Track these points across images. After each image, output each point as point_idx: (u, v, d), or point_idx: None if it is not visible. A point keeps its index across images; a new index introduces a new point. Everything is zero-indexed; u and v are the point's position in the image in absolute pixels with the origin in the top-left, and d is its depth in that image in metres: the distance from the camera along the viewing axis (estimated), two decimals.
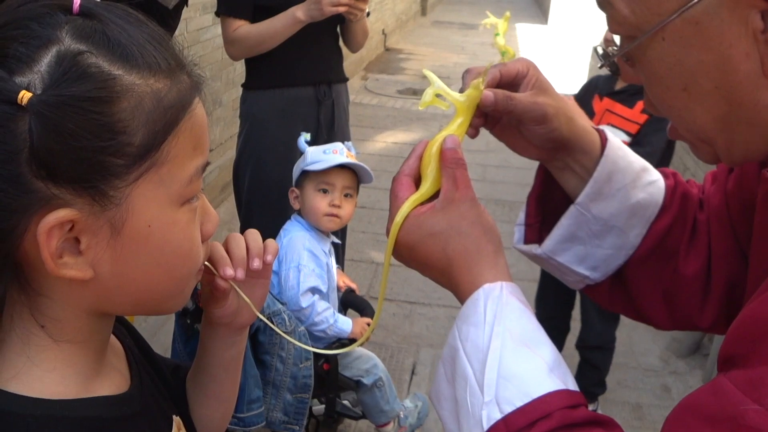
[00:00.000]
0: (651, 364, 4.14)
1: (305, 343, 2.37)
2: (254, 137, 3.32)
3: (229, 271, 0.98)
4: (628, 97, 3.08)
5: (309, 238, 2.68)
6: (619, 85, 3.12)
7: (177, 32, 4.75)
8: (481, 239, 0.96)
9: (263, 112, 3.30)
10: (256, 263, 1.01)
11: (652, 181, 1.18)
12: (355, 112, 8.44)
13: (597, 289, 1.25)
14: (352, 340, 2.63)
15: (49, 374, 0.81)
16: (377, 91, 9.77)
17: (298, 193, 2.73)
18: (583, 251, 1.19)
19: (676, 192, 1.20)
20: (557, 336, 3.77)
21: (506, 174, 6.95)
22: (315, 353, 2.52)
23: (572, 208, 1.16)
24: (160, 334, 3.80)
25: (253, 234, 1.04)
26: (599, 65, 1.02)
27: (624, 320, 4.51)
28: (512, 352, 0.86)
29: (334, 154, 2.66)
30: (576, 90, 3.53)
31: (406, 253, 1.00)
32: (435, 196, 1.01)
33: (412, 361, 3.98)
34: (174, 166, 0.79)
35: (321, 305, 2.59)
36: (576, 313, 3.70)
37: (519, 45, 13.84)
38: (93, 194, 0.74)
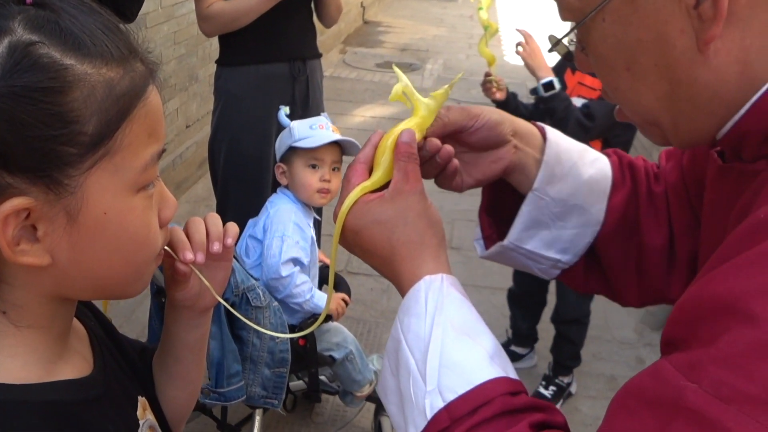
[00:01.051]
0: (625, 336, 4.19)
1: (279, 318, 2.38)
2: (229, 114, 3.31)
3: (189, 255, 0.99)
4: None
5: (296, 210, 2.70)
6: None
7: (151, 7, 4.73)
8: (426, 231, 0.99)
9: (238, 89, 3.28)
10: (216, 246, 1.02)
11: (596, 157, 1.21)
12: (334, 86, 8.43)
13: (572, 273, 1.26)
14: (327, 316, 2.65)
15: (10, 360, 0.82)
16: (356, 65, 9.73)
17: (285, 169, 2.73)
18: (549, 235, 1.21)
19: (623, 165, 1.23)
20: (534, 310, 3.81)
21: None
22: (289, 328, 2.53)
23: (530, 195, 1.18)
24: (138, 312, 3.81)
25: (213, 218, 1.05)
26: (548, 49, 1.05)
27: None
28: (453, 341, 0.88)
29: (321, 129, 2.67)
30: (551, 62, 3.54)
31: (350, 237, 1.02)
32: (386, 186, 1.03)
33: (388, 336, 3.99)
34: (128, 153, 0.80)
35: (300, 278, 2.60)
36: (552, 286, 3.73)
37: (500, 16, 13.80)
38: (47, 183, 0.75)
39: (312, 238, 2.74)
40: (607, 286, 1.27)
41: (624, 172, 1.22)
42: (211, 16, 3.15)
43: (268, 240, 2.62)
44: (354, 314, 4.11)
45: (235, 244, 1.07)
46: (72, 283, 0.84)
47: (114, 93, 0.77)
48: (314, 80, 3.45)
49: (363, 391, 2.97)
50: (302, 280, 2.61)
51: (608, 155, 1.25)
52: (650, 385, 0.72)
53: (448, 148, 1.09)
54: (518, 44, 3.11)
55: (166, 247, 0.96)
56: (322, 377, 3.05)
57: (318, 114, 3.42)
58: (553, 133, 1.19)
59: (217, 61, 3.42)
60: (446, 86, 1.06)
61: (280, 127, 3.37)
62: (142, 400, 1.04)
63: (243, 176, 3.32)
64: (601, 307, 4.36)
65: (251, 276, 2.37)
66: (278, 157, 2.76)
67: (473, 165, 1.16)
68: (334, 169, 2.73)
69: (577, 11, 0.89)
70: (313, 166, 2.69)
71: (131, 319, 3.79)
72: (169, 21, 5.06)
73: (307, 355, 2.73)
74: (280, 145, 2.74)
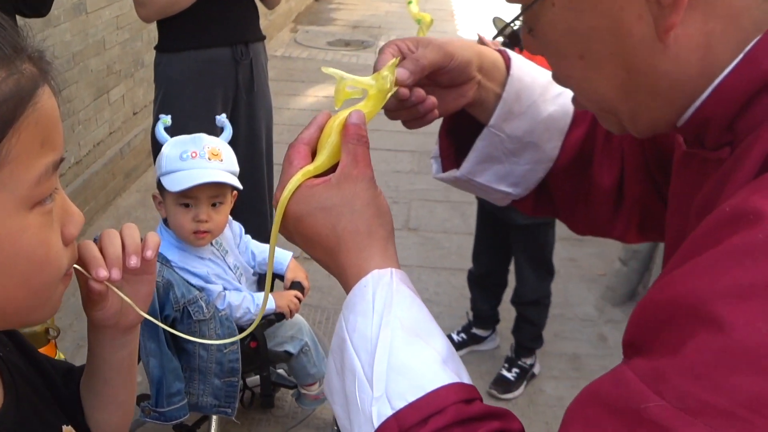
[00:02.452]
0: (587, 313, 4.16)
1: (227, 327, 2.29)
2: (171, 101, 3.19)
3: (102, 272, 0.89)
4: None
5: (180, 256, 2.40)
6: None
7: None
8: (373, 221, 0.91)
9: (179, 75, 3.17)
10: (133, 261, 0.92)
11: (560, 92, 1.16)
12: (285, 66, 8.31)
13: (522, 202, 1.25)
14: (278, 314, 2.55)
15: None
16: (307, 44, 9.58)
17: (161, 199, 2.39)
18: (502, 169, 1.18)
19: None
20: (495, 291, 3.75)
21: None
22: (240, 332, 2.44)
23: (486, 130, 1.14)
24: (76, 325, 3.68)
25: (130, 229, 0.95)
26: (493, 37, 0.98)
27: (559, 272, 4.52)
28: (403, 342, 0.81)
29: (193, 158, 2.28)
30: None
31: (292, 224, 0.93)
32: (330, 171, 0.95)
33: None
34: (17, 166, 0.70)
35: (235, 298, 2.46)
36: (512, 267, 3.68)
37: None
38: None
39: (225, 262, 2.56)
40: (555, 212, 1.26)
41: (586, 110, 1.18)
42: (147, 0, 3.01)
43: None
44: (311, 301, 4.02)
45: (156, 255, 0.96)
46: None
47: None
48: (258, 64, 3.34)
49: (315, 389, 2.89)
50: (239, 299, 2.46)
51: None
52: (611, 392, 0.67)
53: (432, 99, 1.05)
54: None
55: (75, 266, 0.86)
56: (279, 371, 2.98)
57: (264, 99, 3.32)
58: (518, 68, 1.13)
59: (156, 47, 3.29)
60: (391, 62, 0.99)
61: (225, 113, 3.25)
62: (67, 429, 0.95)
63: None
64: (561, 284, 4.34)
65: (193, 287, 2.26)
66: (156, 182, 2.42)
67: (437, 99, 1.10)
68: (214, 205, 2.38)
69: None
70: (186, 205, 2.35)
71: (76, 326, 3.67)
72: (111, 5, 4.91)
73: (258, 357, 2.63)
74: (156, 168, 2.39)
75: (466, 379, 0.82)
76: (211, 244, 2.51)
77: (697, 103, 0.80)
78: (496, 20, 0.89)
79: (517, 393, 3.53)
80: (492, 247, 3.65)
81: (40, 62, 0.74)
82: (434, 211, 5.05)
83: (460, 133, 1.22)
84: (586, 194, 1.19)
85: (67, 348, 3.45)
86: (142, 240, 0.95)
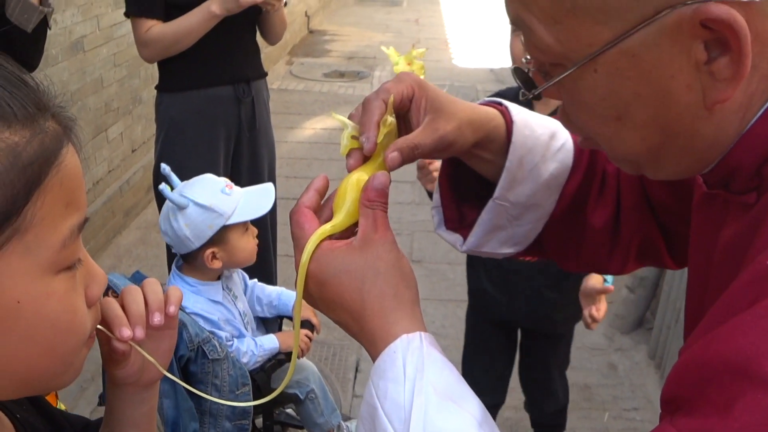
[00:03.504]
0: (596, 342, 4.12)
1: (239, 369, 2.25)
2: (173, 141, 3.16)
3: (126, 332, 0.86)
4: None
5: (197, 300, 2.43)
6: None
7: (89, 30, 4.57)
8: (399, 284, 0.89)
9: (181, 114, 3.14)
10: (157, 318, 0.90)
11: (561, 145, 1.14)
12: (282, 98, 8.30)
13: (517, 254, 1.24)
14: (288, 354, 2.51)
15: None
16: (303, 76, 9.59)
17: (216, 251, 2.41)
18: (506, 235, 1.17)
19: (584, 149, 1.17)
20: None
21: None
22: (250, 374, 2.39)
23: (491, 203, 1.12)
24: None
25: (152, 284, 0.92)
26: (521, 96, 0.94)
27: None
28: (437, 408, 0.79)
29: (231, 189, 2.40)
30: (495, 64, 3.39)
31: (315, 289, 0.91)
32: (347, 232, 0.93)
33: (355, 358, 3.89)
34: (42, 230, 0.67)
35: (241, 344, 2.46)
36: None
37: (443, 19, 13.78)
38: None
39: (235, 306, 2.56)
40: (545, 255, 1.24)
41: (583, 152, 1.16)
42: (151, 41, 2.99)
43: None
44: (317, 337, 3.97)
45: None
46: None
47: (20, 162, 0.65)
48: (260, 101, 3.32)
49: None
50: (246, 346, 2.47)
51: None
52: None
53: (405, 151, 0.99)
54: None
55: (99, 326, 0.84)
56: (288, 410, 2.92)
57: (267, 136, 3.30)
58: (520, 133, 1.09)
59: (157, 87, 3.27)
60: (385, 117, 0.96)
61: (228, 153, 3.21)
62: None
63: None
64: None
65: (204, 328, 2.22)
66: (199, 244, 2.38)
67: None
68: None
69: (556, 54, 0.79)
70: (247, 229, 2.49)
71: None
72: (108, 43, 4.90)
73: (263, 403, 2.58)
74: (201, 230, 2.35)
75: None
76: (223, 288, 2.49)
77: (722, 151, 0.79)
78: (517, 72, 0.85)
79: None
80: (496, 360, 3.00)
81: (63, 119, 0.72)
82: (438, 243, 4.99)
83: (460, 178, 1.20)
84: (579, 237, 1.18)
85: (71, 391, 3.40)
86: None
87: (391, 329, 0.86)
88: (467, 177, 1.17)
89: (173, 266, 2.51)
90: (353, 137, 0.97)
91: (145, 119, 5.55)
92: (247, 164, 3.32)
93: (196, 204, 2.31)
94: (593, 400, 3.66)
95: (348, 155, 0.98)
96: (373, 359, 0.87)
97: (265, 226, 3.42)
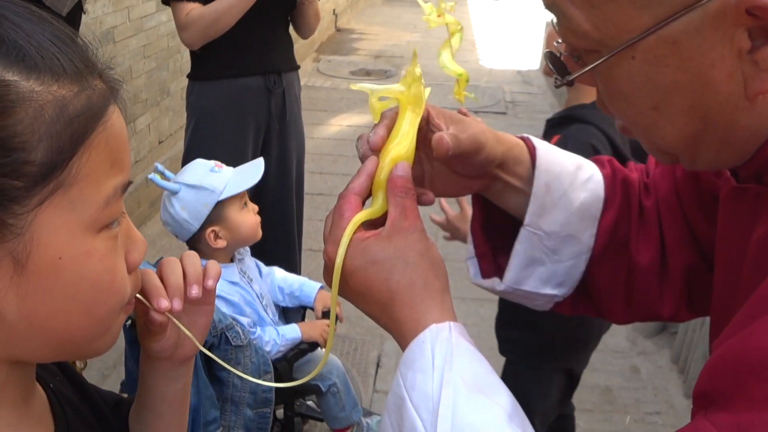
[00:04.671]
0: (618, 345, 4.09)
1: (262, 356, 2.24)
2: (203, 130, 3.18)
3: (164, 303, 0.86)
4: (550, 129, 2.45)
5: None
6: None
7: (119, 21, 4.60)
8: (428, 273, 0.87)
9: (211, 104, 3.15)
10: (195, 291, 0.89)
11: (589, 176, 1.13)
12: (308, 95, 8.31)
13: (561, 304, 1.18)
14: (312, 344, 2.51)
15: None
16: (330, 73, 9.61)
17: (216, 230, 2.42)
18: (546, 271, 1.13)
19: (615, 180, 1.15)
20: None
21: None
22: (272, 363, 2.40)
23: (523, 231, 1.10)
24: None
25: (191, 257, 0.92)
26: (555, 83, 0.92)
27: None
28: (467, 399, 0.78)
29: (220, 168, 2.43)
30: (523, 66, 3.35)
31: (343, 280, 0.90)
32: (380, 220, 0.92)
33: (377, 353, 3.89)
34: (86, 186, 0.68)
35: (265, 334, 2.47)
36: None
37: (471, 21, 13.75)
38: None
39: (251, 287, 2.56)
40: (595, 307, 1.19)
41: (615, 187, 1.14)
42: (190, 22, 2.98)
43: None
44: (339, 332, 3.98)
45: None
46: (23, 341, 0.71)
47: (66, 114, 0.65)
48: (291, 93, 3.32)
49: None
50: (268, 336, 2.47)
51: (602, 165, 1.16)
52: None
53: (430, 195, 1.00)
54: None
55: (137, 295, 0.83)
56: (309, 402, 2.93)
57: (297, 129, 3.30)
58: (544, 159, 1.09)
59: (189, 76, 3.28)
60: (411, 66, 0.95)
61: (257, 143, 3.21)
62: None
63: None
64: None
65: (227, 315, 2.22)
66: (201, 222, 2.40)
67: (441, 179, 1.06)
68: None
69: (592, 41, 0.77)
70: (245, 204, 2.49)
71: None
72: (138, 34, 4.93)
73: (285, 392, 2.59)
74: (199, 210, 2.37)
75: None
76: (238, 271, 2.51)
77: (761, 142, 0.78)
78: (549, 56, 0.83)
79: None
80: None
81: (110, 80, 0.72)
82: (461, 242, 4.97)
83: (493, 228, 1.17)
84: (627, 277, 1.14)
85: (93, 378, 3.42)
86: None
87: (420, 319, 0.85)
88: (500, 227, 1.15)
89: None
90: (380, 99, 0.96)
91: (172, 111, 5.57)
92: (276, 156, 3.33)
93: (187, 185, 2.34)
94: (615, 402, 3.64)
95: (375, 128, 0.96)
96: (402, 349, 0.86)
97: (291, 214, 3.42)
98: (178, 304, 0.88)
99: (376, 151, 0.95)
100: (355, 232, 0.90)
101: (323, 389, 2.68)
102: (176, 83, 5.60)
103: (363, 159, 0.96)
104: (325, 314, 2.64)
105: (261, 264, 2.71)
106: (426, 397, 0.79)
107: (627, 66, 0.76)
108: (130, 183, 0.74)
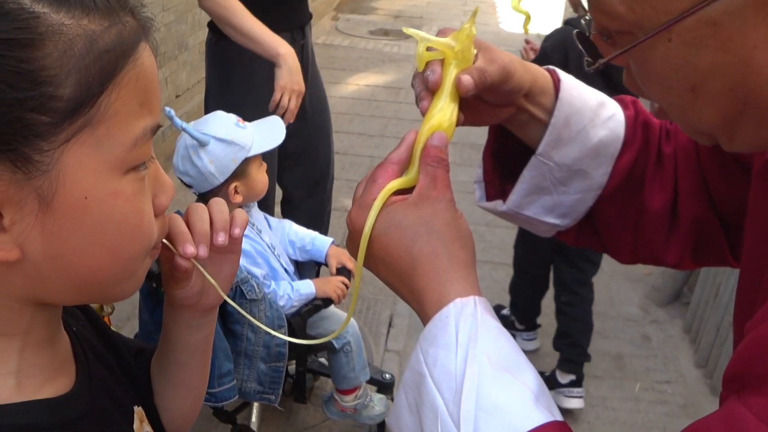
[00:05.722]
0: (631, 313, 4.10)
1: (276, 310, 2.25)
2: (228, 81, 3.15)
3: (190, 249, 0.85)
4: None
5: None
6: None
7: None
8: (454, 243, 0.85)
9: (238, 56, 3.10)
10: (221, 238, 0.88)
11: (611, 115, 1.10)
12: (327, 53, 8.27)
13: (566, 233, 1.18)
14: (326, 300, 2.52)
15: None
16: (348, 32, 9.53)
17: (238, 185, 2.43)
18: (551, 201, 1.11)
19: (637, 122, 1.12)
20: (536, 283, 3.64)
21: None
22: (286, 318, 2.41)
23: (533, 159, 1.08)
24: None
25: (219, 204, 0.91)
26: (586, 66, 0.90)
27: (603, 269, 4.45)
28: (492, 379, 0.76)
29: (243, 123, 2.42)
30: (543, 29, 3.56)
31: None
32: (413, 190, 0.89)
33: (389, 313, 3.90)
34: (114, 125, 0.67)
35: (280, 288, 2.47)
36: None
37: None
38: (14, 159, 0.62)
39: (261, 239, 2.56)
40: (598, 240, 1.18)
41: (636, 130, 1.11)
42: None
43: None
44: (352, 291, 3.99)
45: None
46: (48, 282, 0.70)
47: (96, 48, 0.64)
48: (308, 46, 3.30)
49: (349, 401, 2.83)
50: (282, 289, 2.47)
51: (626, 105, 1.14)
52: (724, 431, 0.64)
53: (475, 75, 0.96)
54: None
55: (163, 240, 0.83)
56: (321, 359, 2.94)
57: (317, 81, 3.27)
58: (568, 92, 1.06)
59: (210, 25, 3.23)
60: (468, 24, 0.94)
61: None
62: (138, 411, 0.92)
63: None
64: (605, 283, 4.28)
65: (242, 268, 2.23)
66: (224, 179, 2.38)
67: (470, 107, 1.02)
68: None
69: (626, 21, 0.75)
70: (261, 163, 2.50)
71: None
72: None
73: (298, 347, 2.59)
74: (224, 165, 2.36)
75: (558, 415, 0.77)
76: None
77: None
78: (578, 35, 0.84)
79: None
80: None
81: (141, 18, 0.71)
82: (476, 204, 4.96)
83: (505, 156, 1.16)
84: (636, 219, 1.13)
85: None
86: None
87: (443, 291, 0.83)
88: (513, 156, 1.14)
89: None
90: (428, 49, 0.94)
91: (190, 65, 5.55)
92: (306, 110, 3.28)
93: (218, 139, 2.30)
94: (625, 370, 3.65)
95: (432, 66, 0.94)
96: (423, 323, 0.84)
97: (320, 160, 3.41)
98: (204, 251, 0.87)
99: (434, 91, 0.94)
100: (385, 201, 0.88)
101: (337, 347, 2.68)
102: (194, 37, 5.57)
103: (419, 99, 0.94)
104: (339, 270, 2.64)
105: (269, 216, 2.71)
106: (449, 375, 0.77)
107: (663, 48, 0.74)
108: (159, 126, 0.73)
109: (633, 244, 1.15)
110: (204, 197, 2.41)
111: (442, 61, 0.94)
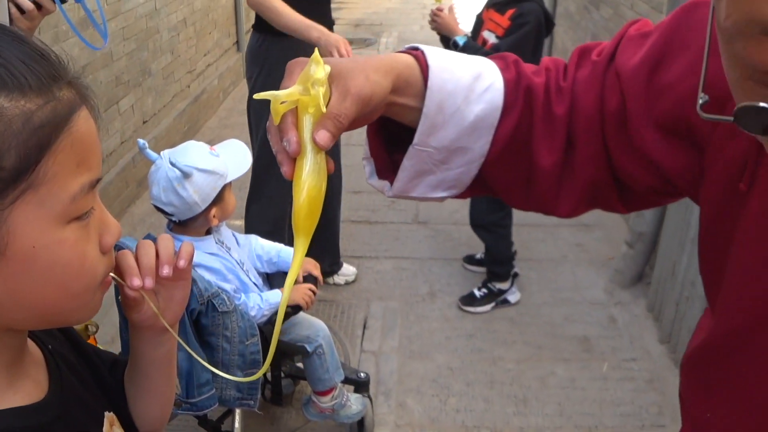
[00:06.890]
0: (596, 297, 4.24)
1: (248, 320, 2.37)
2: (274, 79, 3.36)
3: (136, 281, 0.97)
4: (501, 6, 3.64)
5: (197, 254, 2.42)
6: None
7: (94, 6, 4.65)
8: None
9: (282, 57, 3.24)
10: (166, 270, 1.00)
11: (488, 86, 1.10)
12: None
13: (457, 195, 1.21)
14: (295, 307, 2.63)
15: None
16: None
17: (215, 210, 2.54)
18: (435, 179, 1.14)
19: (519, 85, 1.12)
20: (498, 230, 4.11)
21: None
22: (258, 327, 2.53)
23: (411, 150, 1.09)
24: (110, 314, 3.79)
25: (165, 240, 1.03)
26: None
27: (568, 257, 4.60)
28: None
29: (214, 151, 2.52)
30: None
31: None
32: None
33: (363, 315, 4.03)
34: (54, 185, 0.78)
35: (250, 300, 2.58)
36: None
37: None
38: None
39: (230, 256, 2.66)
40: (493, 193, 1.21)
41: (518, 92, 1.11)
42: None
43: None
44: (325, 296, 4.12)
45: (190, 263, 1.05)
46: (11, 314, 0.83)
47: (31, 125, 0.75)
48: None
49: (326, 401, 2.94)
50: (252, 301, 2.58)
51: (507, 67, 1.14)
52: None
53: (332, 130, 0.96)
54: (434, 16, 3.73)
55: (111, 274, 0.94)
56: (299, 364, 3.05)
57: None
58: (437, 76, 1.07)
59: (256, 28, 3.58)
60: (312, 62, 0.95)
61: None
62: (109, 416, 1.03)
63: None
64: (570, 269, 4.43)
65: (212, 284, 2.35)
66: (205, 206, 2.48)
67: None
68: None
69: None
70: (230, 185, 2.60)
71: (103, 321, 3.77)
72: (117, 17, 4.99)
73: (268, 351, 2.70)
74: (206, 193, 2.45)
75: None
76: (216, 241, 2.62)
77: None
78: (742, 110, 0.72)
79: (480, 309, 4.09)
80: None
81: (78, 87, 0.82)
82: (442, 204, 5.10)
83: (387, 130, 1.16)
84: (527, 176, 1.14)
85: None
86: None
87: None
88: (395, 126, 1.14)
89: (165, 230, 2.61)
90: (282, 103, 0.94)
91: (155, 91, 5.65)
92: None
93: (200, 170, 2.40)
94: (592, 351, 3.78)
95: (288, 135, 0.95)
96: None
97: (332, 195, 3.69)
98: (150, 282, 0.98)
99: (294, 158, 0.96)
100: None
101: (309, 351, 2.80)
102: (157, 63, 5.67)
103: (281, 164, 0.97)
104: (306, 278, 2.76)
105: (237, 234, 2.82)
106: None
107: None
108: (99, 179, 0.84)
109: (525, 197, 1.18)
110: (185, 224, 2.53)
111: (296, 110, 0.95)
